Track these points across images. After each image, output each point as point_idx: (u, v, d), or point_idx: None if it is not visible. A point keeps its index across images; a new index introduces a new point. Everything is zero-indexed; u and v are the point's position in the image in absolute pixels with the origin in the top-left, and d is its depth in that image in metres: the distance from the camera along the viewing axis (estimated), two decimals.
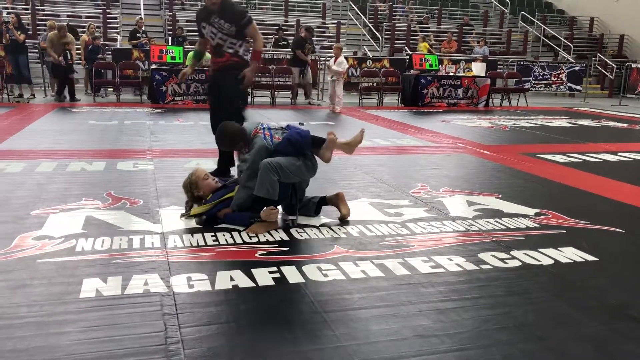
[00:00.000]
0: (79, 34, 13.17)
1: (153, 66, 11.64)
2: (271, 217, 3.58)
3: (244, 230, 3.54)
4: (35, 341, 2.19)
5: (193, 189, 3.78)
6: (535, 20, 20.25)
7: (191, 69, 5.41)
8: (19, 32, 11.62)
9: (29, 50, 12.30)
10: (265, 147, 3.66)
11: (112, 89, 12.48)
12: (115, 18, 16.56)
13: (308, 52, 12.36)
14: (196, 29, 5.13)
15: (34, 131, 7.57)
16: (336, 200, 3.92)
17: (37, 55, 13.03)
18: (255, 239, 3.41)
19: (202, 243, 3.33)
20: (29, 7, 15.57)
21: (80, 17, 15.97)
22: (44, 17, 15.15)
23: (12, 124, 8.17)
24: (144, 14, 15.80)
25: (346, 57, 12.88)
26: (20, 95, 11.61)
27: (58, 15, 15.53)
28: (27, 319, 2.37)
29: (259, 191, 3.56)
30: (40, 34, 13.38)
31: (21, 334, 2.24)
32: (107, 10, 16.46)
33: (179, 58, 11.70)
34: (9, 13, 13.32)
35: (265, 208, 3.62)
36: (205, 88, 5.29)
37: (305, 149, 3.70)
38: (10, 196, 4.24)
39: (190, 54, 5.30)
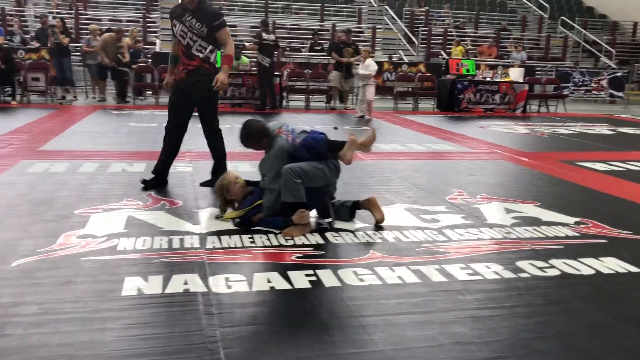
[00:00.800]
0: None
1: None
2: (303, 219, 3.60)
3: (279, 233, 3.58)
4: (80, 336, 2.26)
5: (225, 192, 3.83)
6: (575, 25, 19.84)
7: (172, 77, 4.89)
8: (63, 36, 11.96)
9: (72, 53, 12.64)
10: (286, 149, 3.69)
11: (151, 92, 12.73)
12: (155, 22, 16.90)
13: (349, 55, 12.21)
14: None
15: (77, 132, 7.79)
16: (368, 205, 3.93)
17: (80, 58, 13.39)
18: (291, 242, 3.44)
19: (239, 245, 3.38)
20: (73, 11, 16.03)
21: (120, 21, 16.36)
22: (86, 21, 15.57)
23: (55, 125, 8.42)
24: None
25: (380, 62, 12.77)
26: (63, 97, 11.95)
27: (100, 20, 15.95)
28: (72, 314, 2.45)
29: (286, 198, 3.59)
30: (83, 37, 13.73)
31: (67, 328, 2.32)
32: (147, 15, 16.82)
33: (218, 62, 11.82)
34: (54, 17, 13.73)
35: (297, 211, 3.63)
36: (175, 92, 4.67)
37: (321, 153, 3.70)
38: (54, 195, 4.37)
39: (170, 58, 5.04)
